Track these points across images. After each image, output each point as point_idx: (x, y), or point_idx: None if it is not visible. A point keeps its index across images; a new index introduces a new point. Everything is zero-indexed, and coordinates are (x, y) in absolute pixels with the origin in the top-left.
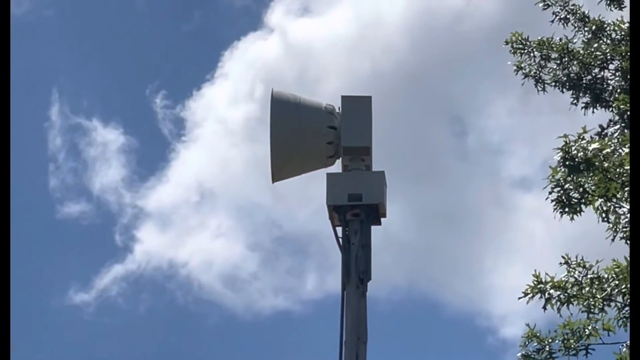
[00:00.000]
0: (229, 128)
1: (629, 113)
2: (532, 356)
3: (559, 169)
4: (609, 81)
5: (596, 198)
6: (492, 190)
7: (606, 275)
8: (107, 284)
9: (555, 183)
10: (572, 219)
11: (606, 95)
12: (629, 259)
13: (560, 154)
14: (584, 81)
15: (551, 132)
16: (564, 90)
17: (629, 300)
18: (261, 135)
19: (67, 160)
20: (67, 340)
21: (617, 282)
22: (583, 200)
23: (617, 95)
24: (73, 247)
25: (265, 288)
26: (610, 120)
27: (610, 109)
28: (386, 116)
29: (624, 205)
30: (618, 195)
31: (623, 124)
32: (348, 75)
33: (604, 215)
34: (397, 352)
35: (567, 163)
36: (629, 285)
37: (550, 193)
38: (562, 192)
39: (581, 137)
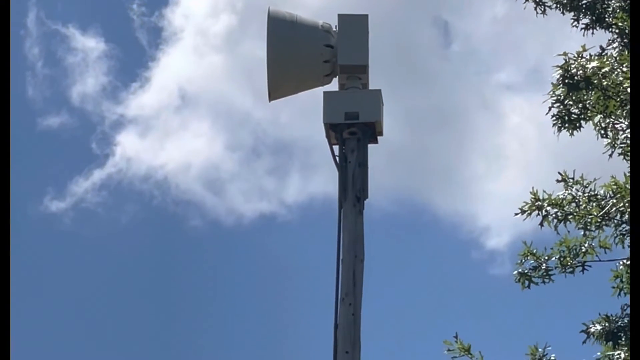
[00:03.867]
0: (209, 36)
1: (627, 31)
2: (529, 274)
3: (558, 86)
4: (609, 1)
5: (595, 114)
6: (481, 94)
7: (603, 193)
8: (87, 189)
9: (555, 98)
10: (571, 134)
11: (606, 16)
12: (628, 174)
13: (560, 71)
14: (584, 1)
15: (539, 39)
16: (565, 11)
17: (627, 217)
18: (244, 44)
19: (45, 68)
20: (43, 246)
21: (614, 199)
22: (582, 116)
23: (616, 15)
24: (53, 157)
25: (248, 190)
26: (609, 40)
27: (610, 29)
28: (371, 21)
29: (623, 121)
30: (617, 113)
31: (622, 43)
32: None
33: (602, 131)
34: (382, 260)
35: (566, 81)
36: (626, 203)
37: (550, 109)
38: (562, 107)
39: (580, 55)
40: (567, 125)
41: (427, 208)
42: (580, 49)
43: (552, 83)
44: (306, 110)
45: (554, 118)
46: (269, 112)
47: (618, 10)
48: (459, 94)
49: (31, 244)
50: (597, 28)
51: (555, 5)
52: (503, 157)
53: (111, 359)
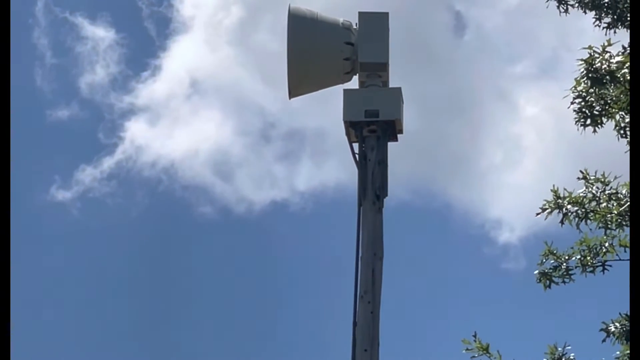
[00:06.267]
0: (219, 26)
1: None
2: (549, 273)
3: (582, 81)
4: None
5: (616, 111)
6: (495, 84)
7: (624, 191)
8: (95, 177)
9: (577, 94)
10: (594, 131)
11: (628, 14)
12: None
13: (584, 65)
14: (606, 0)
15: (553, 30)
16: (587, 10)
17: None
18: (254, 35)
19: (53, 58)
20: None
21: None
22: (604, 113)
23: None
24: (62, 147)
25: (258, 176)
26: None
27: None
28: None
29: None
30: None
31: None
32: None
33: (622, 132)
34: (398, 254)
35: (590, 75)
36: None
37: (572, 103)
38: (584, 103)
39: (605, 50)
40: (589, 121)
41: (441, 197)
42: (605, 43)
43: (575, 79)
44: (316, 97)
45: (576, 113)
46: (280, 98)
47: None
48: (474, 84)
49: (37, 233)
50: (619, 27)
51: (577, 4)
52: (519, 147)
53: (119, 350)
